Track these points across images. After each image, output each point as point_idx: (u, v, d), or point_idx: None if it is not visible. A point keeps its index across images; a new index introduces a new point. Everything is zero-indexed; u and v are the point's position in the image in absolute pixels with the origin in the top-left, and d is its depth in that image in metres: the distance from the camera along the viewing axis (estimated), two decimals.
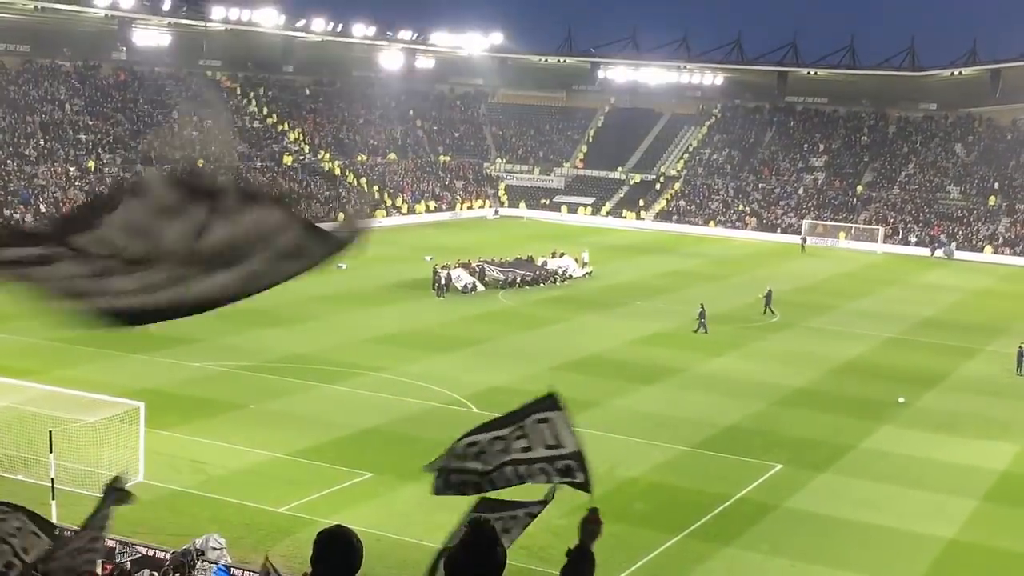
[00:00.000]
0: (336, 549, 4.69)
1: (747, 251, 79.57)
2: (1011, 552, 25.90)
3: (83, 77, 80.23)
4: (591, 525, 5.01)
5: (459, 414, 34.03)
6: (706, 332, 47.79)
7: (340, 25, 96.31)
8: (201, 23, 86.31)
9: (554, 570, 4.93)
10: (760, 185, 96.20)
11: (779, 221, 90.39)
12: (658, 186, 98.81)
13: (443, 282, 55.10)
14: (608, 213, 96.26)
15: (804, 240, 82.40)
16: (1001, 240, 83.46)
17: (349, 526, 4.68)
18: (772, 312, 52.82)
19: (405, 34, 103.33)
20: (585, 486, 5.35)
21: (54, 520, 23.04)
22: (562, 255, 63.87)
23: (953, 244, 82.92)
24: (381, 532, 23.50)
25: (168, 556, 21.84)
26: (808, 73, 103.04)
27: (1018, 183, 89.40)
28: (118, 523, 25.02)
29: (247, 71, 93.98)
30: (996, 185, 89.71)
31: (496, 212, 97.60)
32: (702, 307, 48.94)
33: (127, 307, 3.18)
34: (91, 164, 71.76)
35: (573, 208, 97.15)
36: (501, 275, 58.62)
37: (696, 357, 43.59)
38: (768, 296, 53.45)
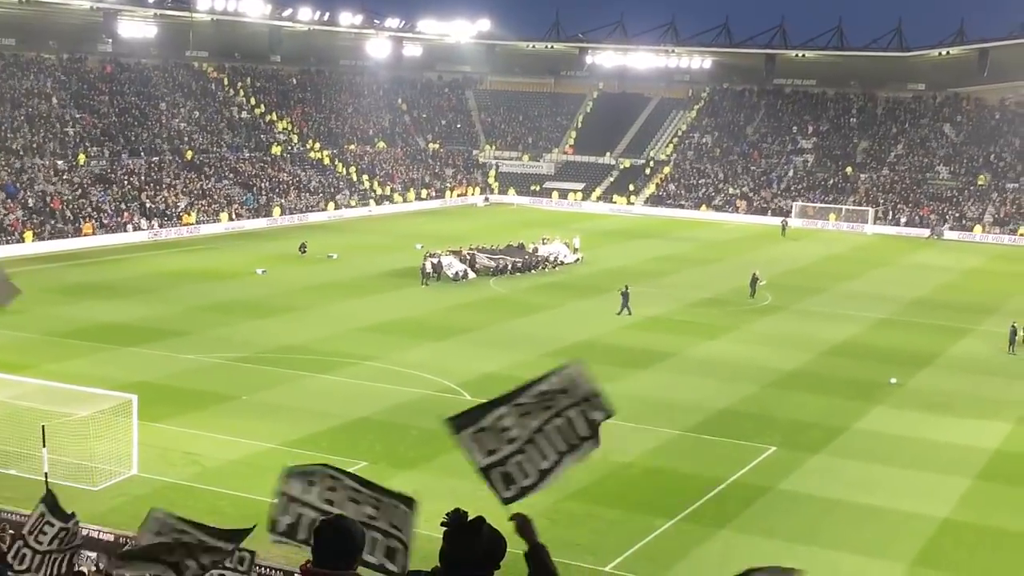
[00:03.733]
0: (336, 539, 4.72)
1: (738, 234, 79.62)
2: (1005, 530, 26.02)
3: (69, 70, 79.84)
4: (520, 524, 4.96)
5: (452, 402, 34.02)
6: (630, 314, 47.74)
7: (327, 14, 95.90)
8: (187, 14, 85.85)
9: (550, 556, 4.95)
10: (750, 168, 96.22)
11: (769, 204, 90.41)
12: (648, 171, 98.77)
13: (430, 270, 54.82)
14: (598, 198, 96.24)
15: (785, 224, 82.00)
16: (991, 219, 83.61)
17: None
18: (753, 295, 52.88)
19: (392, 22, 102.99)
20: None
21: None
22: (552, 241, 63.85)
23: (946, 226, 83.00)
24: None
25: None
26: (796, 55, 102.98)
27: (1007, 162, 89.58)
28: (112, 517, 24.89)
29: (234, 61, 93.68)
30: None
31: (486, 199, 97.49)
32: (625, 288, 48.89)
33: None
34: (82, 158, 71.48)
35: (563, 194, 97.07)
36: (492, 262, 58.54)
37: (688, 341, 43.65)
38: (754, 280, 53.53)
